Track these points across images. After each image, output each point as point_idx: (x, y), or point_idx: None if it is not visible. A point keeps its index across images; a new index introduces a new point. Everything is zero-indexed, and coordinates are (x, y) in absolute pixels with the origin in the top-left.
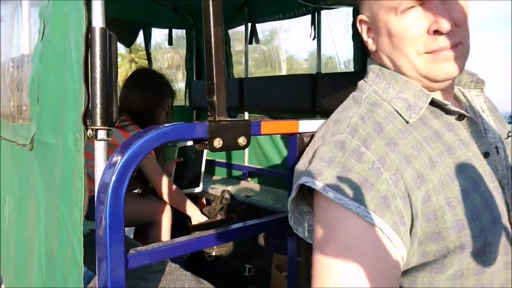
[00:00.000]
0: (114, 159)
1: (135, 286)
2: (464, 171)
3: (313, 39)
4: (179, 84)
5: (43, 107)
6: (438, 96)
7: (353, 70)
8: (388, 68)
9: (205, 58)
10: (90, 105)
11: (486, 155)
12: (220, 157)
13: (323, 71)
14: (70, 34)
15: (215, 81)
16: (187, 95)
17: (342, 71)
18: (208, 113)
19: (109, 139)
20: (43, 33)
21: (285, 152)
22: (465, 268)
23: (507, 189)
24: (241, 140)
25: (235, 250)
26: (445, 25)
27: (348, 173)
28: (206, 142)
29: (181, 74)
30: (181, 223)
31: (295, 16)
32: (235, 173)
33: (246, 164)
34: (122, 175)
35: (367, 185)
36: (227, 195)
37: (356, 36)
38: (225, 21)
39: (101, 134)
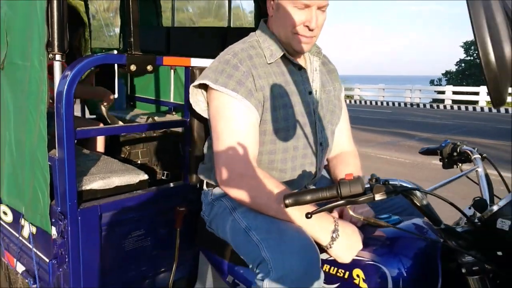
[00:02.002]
0: (66, 73)
1: (79, 167)
2: (289, 96)
3: None
4: (116, 30)
5: (12, 40)
6: (293, 55)
7: (253, 26)
8: (271, 30)
9: (126, 12)
10: (50, 38)
11: (310, 93)
12: (150, 95)
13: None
14: None
15: (132, 29)
16: (121, 39)
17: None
18: (128, 48)
19: (63, 60)
20: None
21: None
22: (277, 148)
23: (316, 114)
24: (149, 67)
25: (157, 160)
26: (313, 25)
27: (231, 78)
28: (125, 67)
29: (118, 18)
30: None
31: None
32: (163, 108)
33: (172, 100)
34: (71, 83)
35: (241, 83)
36: (151, 121)
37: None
38: None
39: (58, 57)
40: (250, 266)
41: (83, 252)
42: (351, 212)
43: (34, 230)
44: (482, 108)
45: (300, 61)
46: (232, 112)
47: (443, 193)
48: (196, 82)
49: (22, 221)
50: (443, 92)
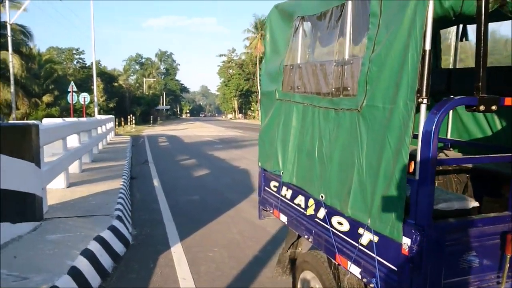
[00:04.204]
0: (433, 112)
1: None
2: None
3: None
4: None
5: (373, 89)
6: None
7: None
8: None
9: (475, 63)
10: (420, 86)
11: None
12: None
13: None
14: (409, 52)
15: (480, 76)
16: None
17: None
18: (474, 92)
19: (437, 103)
20: (374, 44)
21: (485, 127)
22: None
23: None
24: (494, 107)
25: (463, 189)
26: None
27: None
28: (474, 107)
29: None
30: None
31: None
32: (439, 144)
33: (449, 137)
34: (439, 121)
35: None
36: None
37: None
38: (438, 24)
39: (425, 100)
40: None
41: (432, 260)
42: None
43: (376, 238)
44: None
45: None
46: None
47: None
48: None
49: (361, 230)
50: None
